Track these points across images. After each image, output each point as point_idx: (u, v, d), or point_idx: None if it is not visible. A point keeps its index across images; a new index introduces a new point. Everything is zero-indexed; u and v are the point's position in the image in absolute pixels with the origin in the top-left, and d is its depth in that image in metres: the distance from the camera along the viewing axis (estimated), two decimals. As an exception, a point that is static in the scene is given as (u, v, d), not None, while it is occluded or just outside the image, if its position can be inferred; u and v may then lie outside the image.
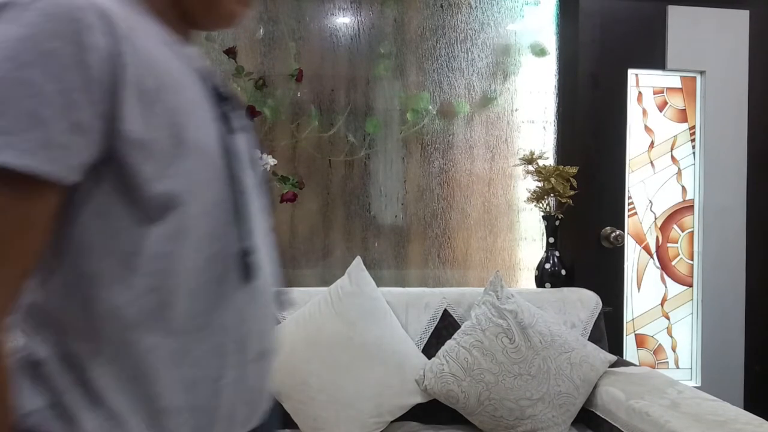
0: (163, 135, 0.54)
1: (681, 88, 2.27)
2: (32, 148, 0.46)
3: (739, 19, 2.23)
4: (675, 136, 2.26)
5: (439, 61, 2.26)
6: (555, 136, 2.30)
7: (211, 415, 0.58)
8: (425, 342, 1.71)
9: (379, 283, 1.76)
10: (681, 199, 2.27)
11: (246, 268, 0.60)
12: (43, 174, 0.47)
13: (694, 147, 2.26)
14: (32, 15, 0.47)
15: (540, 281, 2.01)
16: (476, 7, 2.28)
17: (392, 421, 1.62)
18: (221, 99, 0.64)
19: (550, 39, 2.30)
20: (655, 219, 2.26)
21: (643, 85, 2.24)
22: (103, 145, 0.51)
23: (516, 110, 2.30)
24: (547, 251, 2.03)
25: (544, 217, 2.04)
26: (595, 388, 1.66)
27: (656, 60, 2.20)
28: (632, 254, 2.24)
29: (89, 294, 0.53)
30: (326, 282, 1.91)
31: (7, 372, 0.49)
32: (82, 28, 0.48)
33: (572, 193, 1.97)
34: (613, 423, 1.55)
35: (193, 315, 0.56)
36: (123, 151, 0.52)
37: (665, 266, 2.26)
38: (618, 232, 2.14)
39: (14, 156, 0.45)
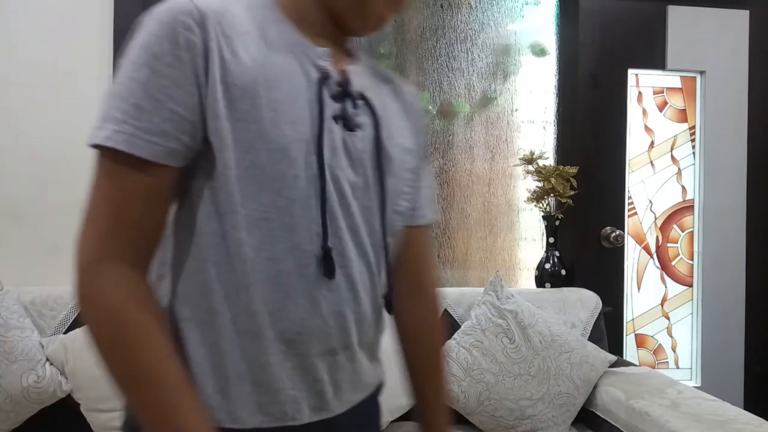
0: (245, 128, 0.59)
1: (681, 88, 2.27)
2: (135, 134, 0.56)
3: (739, 19, 2.23)
4: (675, 136, 2.26)
5: (439, 61, 2.26)
6: (555, 136, 2.30)
7: (271, 395, 0.62)
8: (425, 342, 1.71)
9: (379, 283, 1.76)
10: (681, 199, 2.27)
11: (326, 265, 0.62)
12: (143, 156, 0.57)
13: (694, 147, 2.26)
14: (151, 23, 0.60)
15: (540, 281, 2.01)
16: (476, 7, 2.28)
17: (392, 421, 1.62)
18: (343, 97, 0.66)
19: (550, 39, 2.30)
20: (655, 219, 2.26)
21: (643, 85, 2.24)
22: (198, 134, 0.60)
23: (516, 110, 2.30)
24: (547, 251, 2.03)
25: (544, 217, 2.04)
26: (595, 388, 1.66)
27: (656, 60, 2.20)
28: (632, 254, 2.24)
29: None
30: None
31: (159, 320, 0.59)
32: (181, 31, 0.58)
33: (572, 193, 1.97)
34: (613, 423, 1.55)
35: (264, 301, 0.61)
36: (211, 139, 0.60)
37: (665, 266, 2.26)
38: (618, 232, 2.14)
39: (118, 138, 0.56)
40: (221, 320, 0.61)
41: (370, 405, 0.75)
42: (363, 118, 0.68)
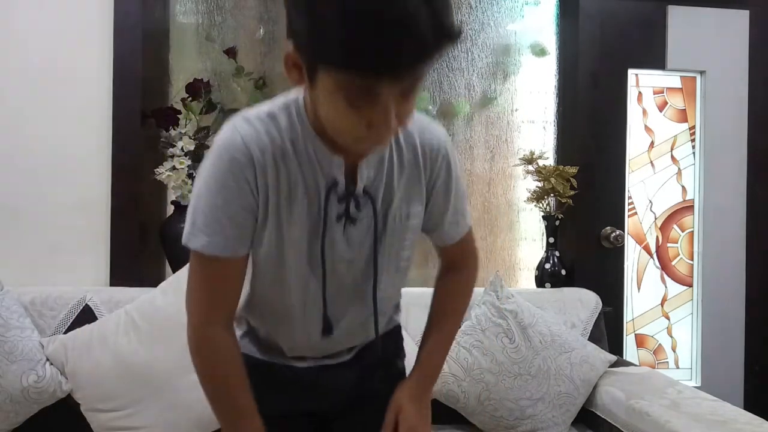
0: (272, 231, 0.85)
1: (681, 88, 2.27)
2: (217, 240, 0.82)
3: (739, 19, 2.23)
4: (675, 136, 2.26)
5: (439, 61, 2.25)
6: (555, 136, 2.30)
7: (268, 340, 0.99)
8: (425, 342, 1.71)
9: (379, 283, 1.76)
10: (681, 199, 2.27)
11: (325, 328, 0.92)
12: (222, 253, 0.83)
13: (694, 147, 2.26)
14: (214, 157, 0.82)
15: (540, 281, 2.01)
16: (476, 7, 2.28)
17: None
18: (347, 197, 0.85)
19: (550, 39, 2.30)
20: (655, 219, 2.26)
21: (643, 85, 2.24)
22: (253, 228, 0.85)
23: (516, 110, 2.30)
24: (547, 251, 2.03)
25: (544, 217, 2.04)
26: (595, 388, 1.66)
27: (656, 60, 2.20)
28: (632, 254, 2.24)
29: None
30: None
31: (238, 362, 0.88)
32: (240, 167, 0.80)
33: (572, 193, 1.97)
34: (613, 423, 1.55)
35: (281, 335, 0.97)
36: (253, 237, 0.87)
37: (665, 266, 2.26)
38: (618, 232, 2.14)
39: (207, 245, 0.82)
40: (260, 316, 0.98)
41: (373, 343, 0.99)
42: (364, 211, 0.87)
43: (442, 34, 0.65)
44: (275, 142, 0.81)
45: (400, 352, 1.10)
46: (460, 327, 1.12)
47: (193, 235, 0.82)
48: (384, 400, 0.96)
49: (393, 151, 0.87)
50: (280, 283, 0.89)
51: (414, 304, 1.74)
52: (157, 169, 1.78)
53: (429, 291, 1.81)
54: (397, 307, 1.07)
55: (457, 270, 1.09)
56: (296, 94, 0.84)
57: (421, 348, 1.03)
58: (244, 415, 0.87)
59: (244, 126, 0.81)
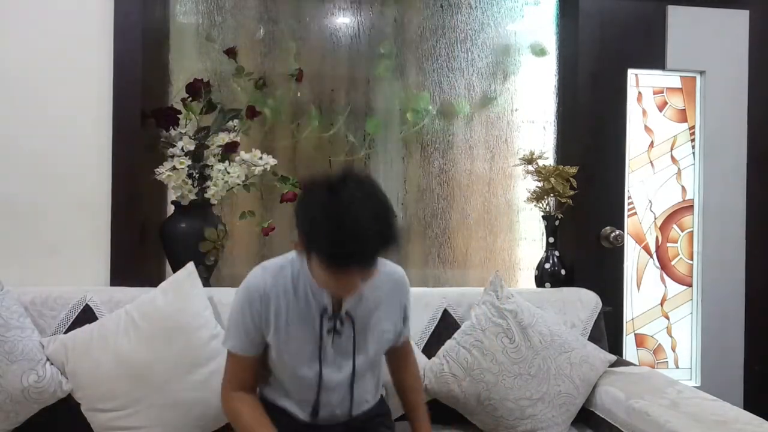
0: (280, 343, 1.26)
1: (681, 88, 2.27)
2: (236, 344, 1.27)
3: (739, 19, 2.23)
4: (675, 136, 2.26)
5: (439, 61, 2.26)
6: (555, 136, 2.30)
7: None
8: (425, 342, 1.71)
9: (379, 283, 1.76)
10: (681, 199, 2.27)
11: (313, 412, 1.30)
12: (239, 352, 1.27)
13: (693, 147, 2.26)
14: (241, 290, 1.27)
15: (540, 281, 2.02)
16: (476, 7, 2.28)
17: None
18: (334, 318, 1.26)
19: (550, 39, 2.30)
20: (655, 219, 2.26)
21: (643, 85, 2.25)
22: (263, 339, 1.27)
23: (516, 110, 2.30)
24: (547, 251, 2.03)
25: (544, 217, 2.04)
26: (595, 387, 1.66)
27: (656, 60, 2.20)
28: (632, 254, 2.24)
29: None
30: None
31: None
32: (251, 301, 1.25)
33: (572, 193, 1.97)
34: (613, 423, 1.55)
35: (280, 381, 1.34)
36: (268, 343, 1.28)
37: (665, 266, 2.26)
38: (618, 232, 2.14)
39: (232, 346, 1.28)
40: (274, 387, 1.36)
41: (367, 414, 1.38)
42: (347, 327, 1.27)
43: (387, 244, 1.09)
44: (278, 287, 1.25)
45: (386, 416, 1.44)
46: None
47: (227, 339, 1.29)
48: None
49: (378, 288, 1.29)
50: (285, 376, 1.30)
51: (414, 305, 1.74)
52: (157, 169, 1.78)
53: (429, 291, 1.82)
54: (377, 393, 1.41)
55: (408, 365, 1.47)
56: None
57: (414, 412, 1.44)
58: None
59: (261, 274, 1.27)
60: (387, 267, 1.33)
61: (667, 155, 2.26)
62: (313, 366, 1.26)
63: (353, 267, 1.09)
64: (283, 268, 1.27)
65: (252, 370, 1.30)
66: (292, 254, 1.28)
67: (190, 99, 1.84)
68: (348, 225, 1.04)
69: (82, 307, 1.61)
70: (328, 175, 1.12)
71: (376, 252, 1.08)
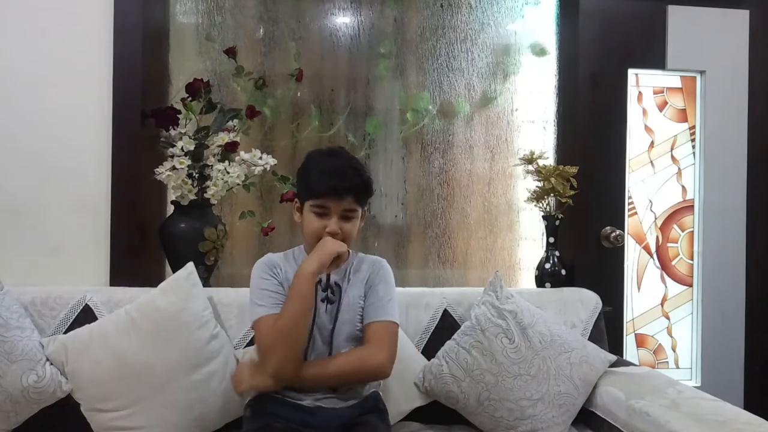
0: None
1: (681, 88, 2.27)
2: (268, 308, 1.38)
3: (739, 19, 2.23)
4: (675, 135, 2.26)
5: (439, 61, 2.26)
6: (555, 136, 2.30)
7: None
8: (425, 342, 1.71)
9: (379, 283, 1.76)
10: (681, 199, 2.27)
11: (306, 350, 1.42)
12: (273, 312, 1.36)
13: (694, 147, 2.26)
14: (257, 267, 1.45)
15: (540, 281, 2.01)
16: (476, 7, 2.28)
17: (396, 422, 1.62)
18: (326, 288, 1.43)
19: (550, 39, 2.30)
20: (655, 219, 2.26)
21: (643, 84, 2.24)
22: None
23: (516, 110, 2.30)
24: (547, 251, 2.03)
25: (544, 217, 2.04)
26: (595, 388, 1.66)
27: (656, 60, 2.20)
28: (632, 254, 2.24)
29: None
30: (326, 282, 1.91)
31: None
32: (270, 267, 1.44)
33: (572, 193, 1.97)
34: (613, 423, 1.55)
35: None
36: None
37: (665, 266, 2.26)
38: (618, 231, 2.14)
39: (265, 312, 1.37)
40: None
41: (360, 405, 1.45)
42: (336, 295, 1.44)
43: (362, 180, 1.38)
44: (285, 263, 1.46)
45: (381, 412, 1.46)
46: (344, 368, 1.39)
47: (255, 309, 1.39)
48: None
49: (350, 267, 1.47)
50: None
51: (414, 305, 1.75)
52: (157, 169, 1.78)
53: (429, 291, 1.82)
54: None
55: (371, 345, 1.42)
56: (299, 246, 1.50)
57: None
58: (289, 297, 1.35)
59: (270, 255, 1.48)
60: (370, 258, 1.52)
61: (668, 155, 2.26)
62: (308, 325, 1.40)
63: (333, 197, 1.35)
64: (286, 254, 1.50)
65: None
66: (293, 248, 1.51)
67: (190, 99, 1.84)
68: (328, 163, 1.38)
69: (81, 307, 1.61)
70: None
71: (353, 185, 1.35)
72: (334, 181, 1.34)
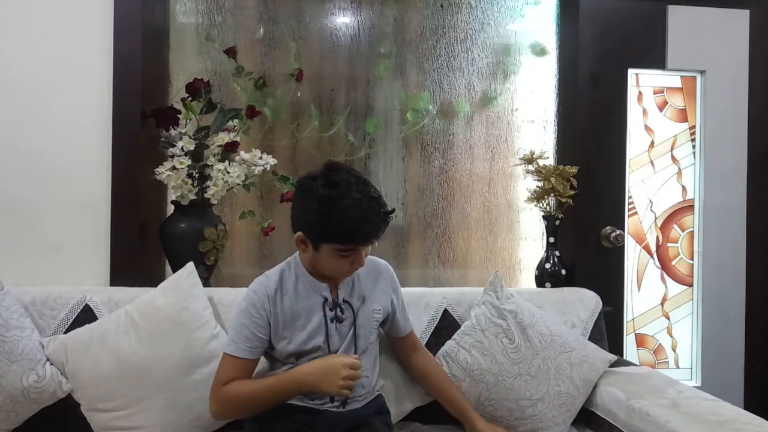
0: (288, 337, 1.36)
1: (681, 88, 2.27)
2: (241, 347, 1.34)
3: (739, 19, 2.23)
4: (675, 135, 2.26)
5: (439, 61, 2.26)
6: (555, 136, 2.30)
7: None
8: (425, 342, 1.71)
9: (379, 283, 1.76)
10: (681, 199, 2.27)
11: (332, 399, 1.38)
12: (242, 355, 1.34)
13: (694, 147, 2.26)
14: (249, 293, 1.38)
15: (540, 281, 2.01)
16: (476, 7, 2.28)
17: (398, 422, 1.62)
18: (335, 306, 1.38)
19: (550, 39, 2.30)
20: (655, 219, 2.26)
21: (643, 84, 2.24)
22: (266, 340, 1.36)
23: (516, 110, 2.30)
24: (547, 251, 2.03)
25: (544, 217, 2.04)
26: (595, 388, 1.66)
27: (656, 60, 2.20)
28: (632, 254, 2.24)
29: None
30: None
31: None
32: (257, 300, 1.36)
33: (572, 193, 1.97)
34: (613, 423, 1.55)
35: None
36: (273, 343, 1.38)
37: (665, 266, 2.26)
38: (618, 231, 2.14)
39: (235, 350, 1.34)
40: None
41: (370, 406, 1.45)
42: (347, 313, 1.39)
43: (387, 219, 1.27)
44: (282, 288, 1.38)
45: (385, 414, 1.49)
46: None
47: (230, 344, 1.35)
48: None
49: (358, 275, 1.42)
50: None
51: (414, 305, 1.75)
52: (157, 169, 1.78)
53: (429, 291, 1.82)
54: (374, 375, 1.47)
55: (419, 350, 1.59)
56: (293, 256, 1.44)
57: (455, 401, 1.55)
58: (269, 386, 1.34)
59: (265, 279, 1.39)
60: (372, 259, 1.48)
61: (668, 155, 2.26)
62: (322, 350, 1.36)
63: (364, 245, 1.29)
64: (283, 272, 1.41)
65: (249, 375, 1.36)
66: (287, 260, 1.44)
67: (190, 99, 1.84)
68: (354, 209, 1.23)
69: (81, 307, 1.61)
70: (315, 172, 1.30)
71: (381, 227, 1.27)
72: (365, 230, 1.25)
